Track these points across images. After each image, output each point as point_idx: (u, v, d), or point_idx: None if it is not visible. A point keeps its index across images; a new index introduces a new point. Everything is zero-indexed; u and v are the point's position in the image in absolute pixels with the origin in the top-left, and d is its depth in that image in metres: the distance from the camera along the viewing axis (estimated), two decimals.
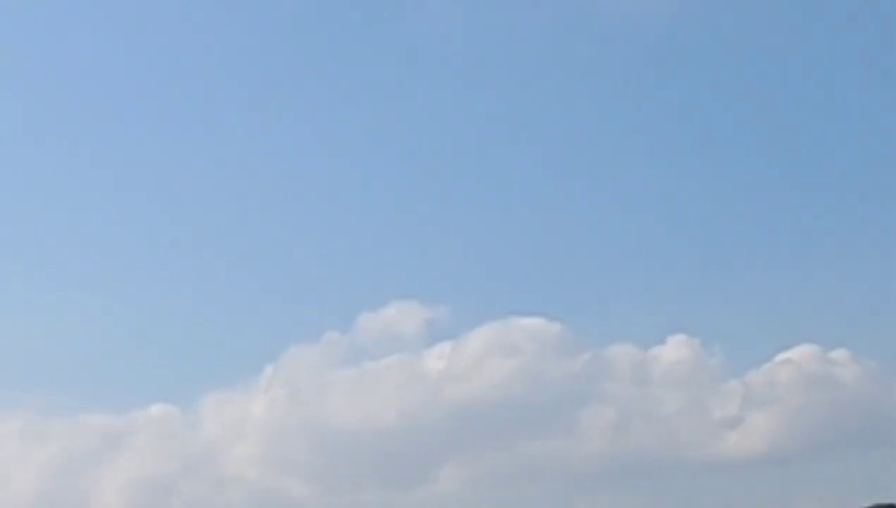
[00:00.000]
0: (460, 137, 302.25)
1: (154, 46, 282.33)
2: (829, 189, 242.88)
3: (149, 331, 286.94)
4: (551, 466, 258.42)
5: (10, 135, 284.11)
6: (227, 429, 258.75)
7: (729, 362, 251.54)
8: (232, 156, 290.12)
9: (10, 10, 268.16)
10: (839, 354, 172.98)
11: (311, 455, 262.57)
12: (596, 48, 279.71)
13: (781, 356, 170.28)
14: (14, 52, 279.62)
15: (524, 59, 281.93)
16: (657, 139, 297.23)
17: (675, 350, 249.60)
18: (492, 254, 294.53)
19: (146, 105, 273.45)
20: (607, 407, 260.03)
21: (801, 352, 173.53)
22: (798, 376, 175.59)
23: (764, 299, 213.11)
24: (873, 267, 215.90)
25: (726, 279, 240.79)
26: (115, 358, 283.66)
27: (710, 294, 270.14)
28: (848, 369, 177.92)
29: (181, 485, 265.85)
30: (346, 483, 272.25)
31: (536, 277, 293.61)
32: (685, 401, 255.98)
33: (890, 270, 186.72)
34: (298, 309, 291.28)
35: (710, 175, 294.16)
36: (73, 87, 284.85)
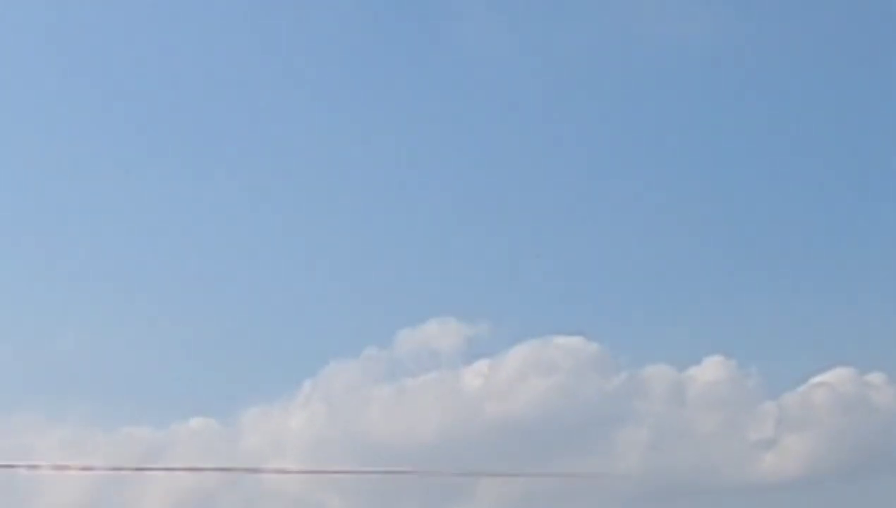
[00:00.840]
0: (501, 156, 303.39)
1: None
2: (869, 212, 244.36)
3: (190, 345, 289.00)
4: (588, 485, 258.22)
5: (64, 142, 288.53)
6: (266, 443, 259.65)
7: (765, 383, 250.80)
8: (278, 171, 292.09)
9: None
10: (875, 377, 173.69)
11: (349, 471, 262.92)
12: (637, 71, 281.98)
13: (817, 378, 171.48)
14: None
15: (560, 81, 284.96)
16: (695, 161, 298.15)
17: (711, 370, 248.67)
18: (532, 273, 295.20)
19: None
20: (642, 428, 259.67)
21: (836, 375, 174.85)
22: (833, 398, 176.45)
23: (801, 320, 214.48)
24: None
25: (764, 300, 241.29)
26: (157, 371, 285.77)
27: (747, 314, 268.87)
28: (884, 392, 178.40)
29: (220, 498, 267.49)
30: (384, 499, 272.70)
31: (575, 296, 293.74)
32: (721, 423, 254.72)
33: None
34: (338, 325, 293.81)
35: (750, 196, 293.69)
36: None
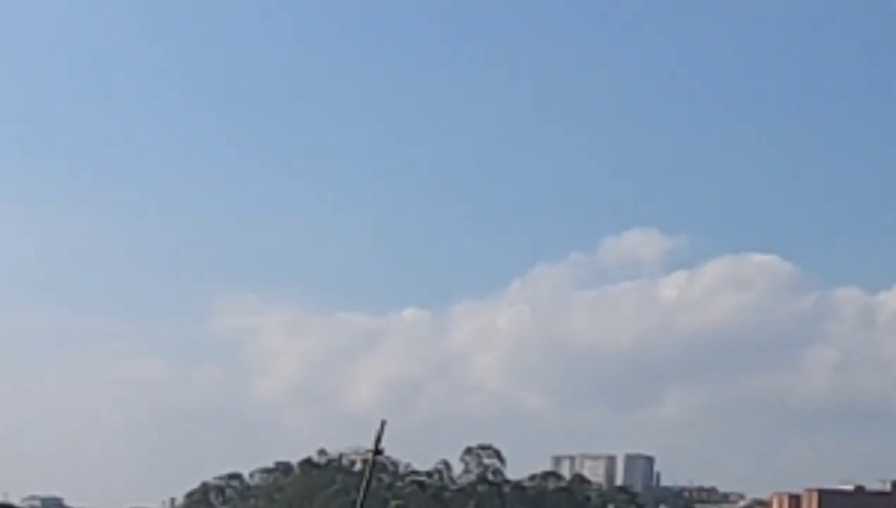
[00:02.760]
0: (702, 91, 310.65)
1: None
2: None
3: (409, 239, 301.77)
4: (772, 401, 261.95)
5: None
6: (473, 338, 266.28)
7: None
8: (491, 85, 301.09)
9: None
10: None
11: (548, 370, 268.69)
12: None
13: None
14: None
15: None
16: (879, 99, 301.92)
17: None
18: (733, 189, 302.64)
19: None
20: (831, 349, 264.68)
21: None
22: None
23: None
24: None
25: None
26: (376, 262, 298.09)
27: None
28: None
29: (427, 387, 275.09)
30: (578, 399, 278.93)
31: (773, 214, 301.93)
32: None
33: None
34: (547, 229, 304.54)
35: None
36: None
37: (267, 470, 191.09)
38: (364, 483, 43.62)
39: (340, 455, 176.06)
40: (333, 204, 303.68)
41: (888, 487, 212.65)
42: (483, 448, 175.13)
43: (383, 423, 38.57)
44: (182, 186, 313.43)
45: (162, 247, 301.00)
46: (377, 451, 39.86)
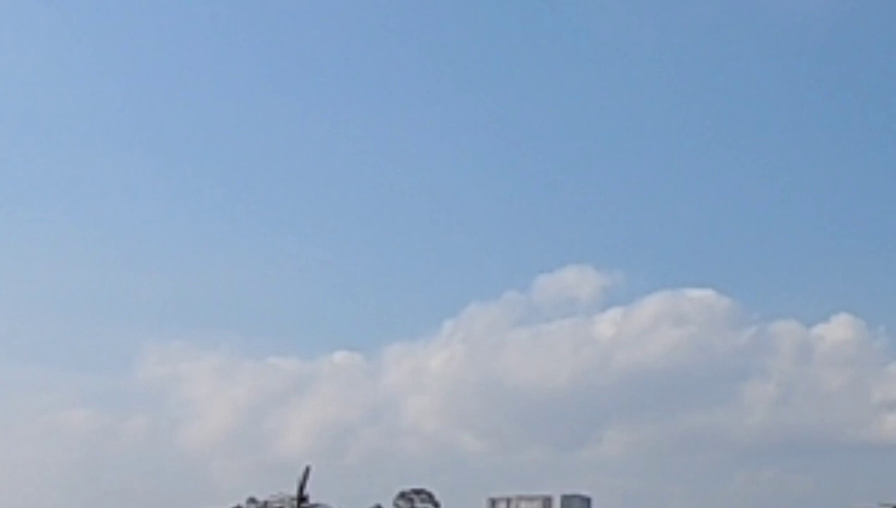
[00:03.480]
0: (638, 123, 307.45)
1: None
2: None
3: (339, 282, 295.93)
4: (712, 437, 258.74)
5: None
6: (406, 380, 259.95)
7: (892, 345, 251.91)
8: (424, 125, 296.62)
9: None
10: None
11: (485, 411, 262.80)
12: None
13: None
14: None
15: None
16: (820, 129, 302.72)
17: (839, 329, 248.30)
18: (668, 225, 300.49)
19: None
20: (770, 383, 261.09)
21: None
22: None
23: None
24: None
25: (892, 262, 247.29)
26: (306, 306, 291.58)
27: (876, 275, 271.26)
28: None
29: (360, 431, 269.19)
30: (515, 440, 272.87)
31: (708, 250, 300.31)
32: (846, 382, 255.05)
33: None
34: (480, 268, 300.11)
35: (877, 160, 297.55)
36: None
37: None
38: None
39: (265, 503, 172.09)
40: (262, 247, 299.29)
41: None
42: (416, 492, 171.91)
43: (307, 469, 35.85)
44: (106, 231, 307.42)
45: (86, 295, 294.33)
46: (301, 498, 36.63)
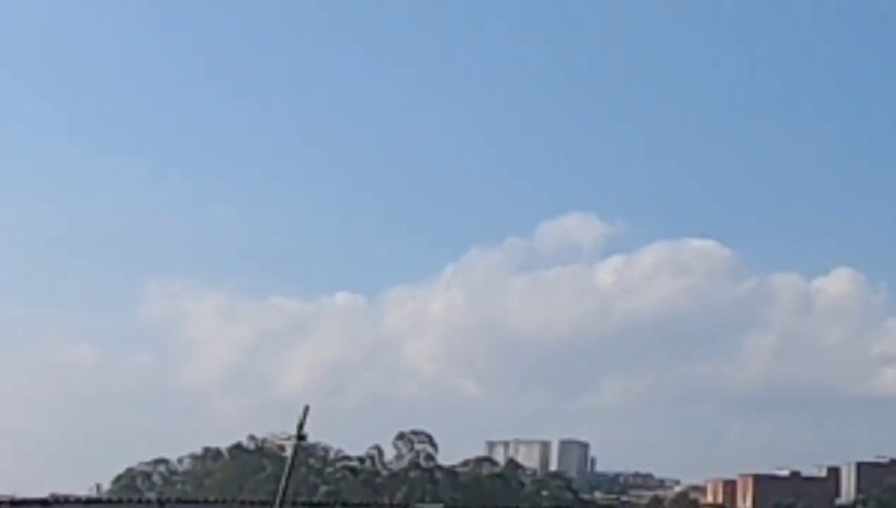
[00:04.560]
0: (646, 61, 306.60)
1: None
2: None
3: (342, 223, 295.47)
4: (710, 388, 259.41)
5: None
6: (406, 323, 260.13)
7: (892, 299, 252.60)
8: (426, 67, 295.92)
9: None
10: None
11: (485, 357, 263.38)
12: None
13: None
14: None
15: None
16: (825, 78, 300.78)
17: (839, 282, 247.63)
18: (672, 175, 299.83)
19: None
20: (769, 335, 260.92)
21: None
22: None
23: None
24: None
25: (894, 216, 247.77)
26: (308, 247, 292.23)
27: (879, 228, 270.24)
28: None
29: (360, 372, 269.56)
30: (514, 385, 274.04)
31: (711, 200, 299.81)
32: (845, 335, 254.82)
33: None
34: (483, 213, 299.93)
35: (880, 117, 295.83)
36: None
37: (195, 456, 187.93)
38: (287, 470, 40.68)
39: (264, 441, 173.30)
40: (264, 188, 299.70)
41: (823, 473, 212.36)
42: (415, 433, 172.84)
43: (306, 408, 36.16)
44: (107, 172, 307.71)
45: (89, 234, 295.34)
46: (300, 437, 37.21)
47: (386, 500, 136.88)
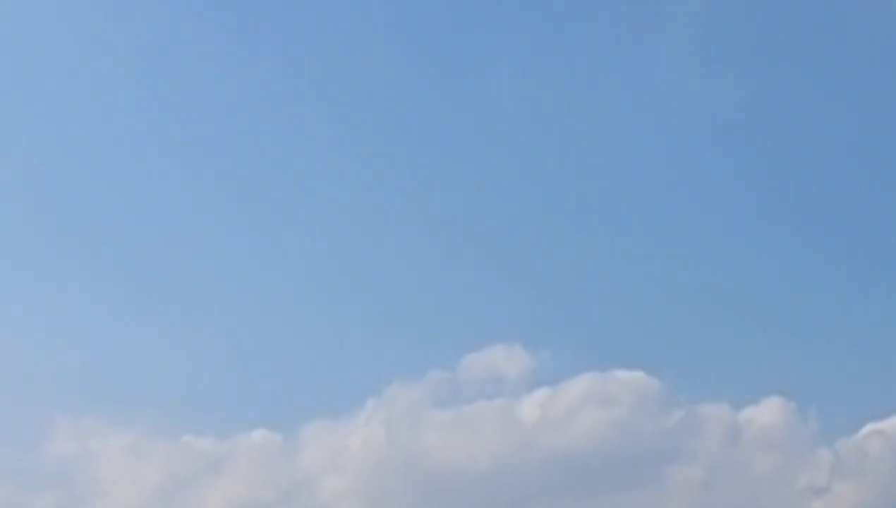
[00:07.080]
0: (574, 193, 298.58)
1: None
2: None
3: (256, 357, 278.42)
4: None
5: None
6: (324, 460, 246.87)
7: (822, 428, 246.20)
8: (342, 189, 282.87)
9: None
10: None
11: (404, 493, 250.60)
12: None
13: (871, 426, 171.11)
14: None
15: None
16: (754, 199, 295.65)
17: (769, 412, 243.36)
18: (598, 305, 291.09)
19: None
20: (696, 466, 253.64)
21: (892, 424, 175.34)
22: (888, 448, 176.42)
23: (862, 366, 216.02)
24: None
25: (825, 343, 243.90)
26: (222, 382, 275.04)
27: (807, 357, 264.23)
28: None
29: None
30: None
31: (638, 331, 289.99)
32: (774, 466, 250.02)
33: None
34: (405, 346, 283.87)
35: (815, 241, 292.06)
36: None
37: None
38: None
39: None
40: (179, 320, 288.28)
41: None
42: None
43: None
44: (18, 305, 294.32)
45: None
46: None
47: None
